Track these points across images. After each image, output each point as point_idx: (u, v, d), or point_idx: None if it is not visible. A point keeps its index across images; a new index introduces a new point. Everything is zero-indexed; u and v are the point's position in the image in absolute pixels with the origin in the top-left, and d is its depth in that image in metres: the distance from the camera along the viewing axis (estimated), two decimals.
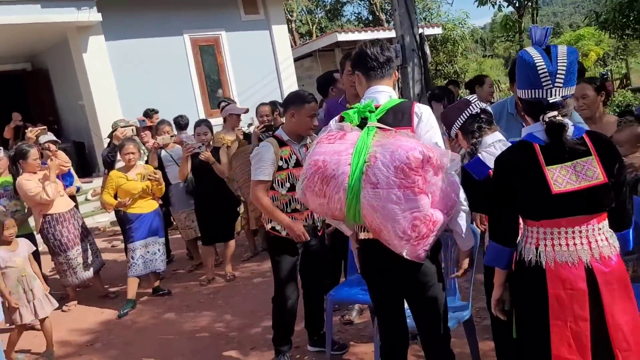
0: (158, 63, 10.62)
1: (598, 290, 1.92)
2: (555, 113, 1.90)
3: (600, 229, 1.96)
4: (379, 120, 2.24)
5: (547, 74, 1.90)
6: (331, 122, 2.45)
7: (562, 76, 1.90)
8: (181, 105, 9.62)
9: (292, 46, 14.22)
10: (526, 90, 1.96)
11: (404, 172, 2.02)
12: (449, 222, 2.27)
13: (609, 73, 19.51)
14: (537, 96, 1.94)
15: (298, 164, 3.23)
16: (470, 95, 2.45)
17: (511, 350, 2.34)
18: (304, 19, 24.62)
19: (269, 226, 3.37)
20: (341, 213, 2.19)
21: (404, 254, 2.12)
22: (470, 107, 2.41)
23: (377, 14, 22.14)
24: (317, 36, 21.20)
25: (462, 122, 2.47)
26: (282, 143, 3.26)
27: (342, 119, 2.38)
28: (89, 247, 5.22)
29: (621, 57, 22.83)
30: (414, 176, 2.03)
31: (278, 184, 3.23)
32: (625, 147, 3.07)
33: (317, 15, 25.53)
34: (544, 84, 1.91)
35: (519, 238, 2.07)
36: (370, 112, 2.27)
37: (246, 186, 4.27)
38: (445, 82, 13.57)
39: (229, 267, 5.59)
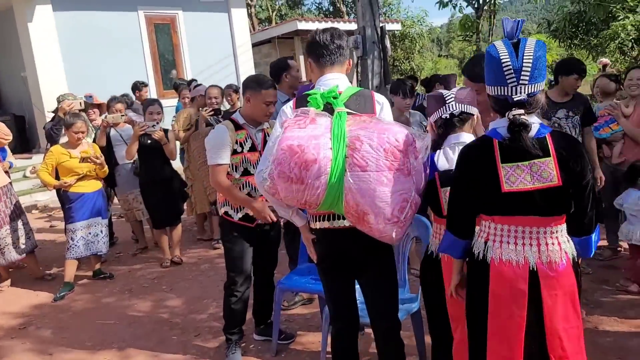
0: (109, 38, 10.20)
1: (540, 293, 1.91)
2: (521, 111, 1.87)
3: (553, 232, 1.93)
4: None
5: (511, 71, 1.86)
6: (284, 107, 2.43)
7: (528, 73, 1.85)
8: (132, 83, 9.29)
9: (250, 31, 13.98)
10: (492, 87, 1.94)
11: (394, 154, 2.05)
12: None
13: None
14: (502, 93, 1.90)
15: (253, 148, 3.16)
16: (448, 94, 2.35)
17: (446, 346, 2.41)
18: (264, 5, 24.28)
19: (222, 211, 3.27)
20: (317, 199, 2.12)
21: (393, 235, 2.12)
22: (444, 107, 2.34)
23: (338, 5, 22.11)
24: (276, 23, 20.95)
25: (435, 117, 2.41)
26: (237, 126, 3.16)
27: (297, 105, 2.36)
28: (21, 226, 4.94)
29: None
30: (404, 158, 2.06)
31: (232, 168, 3.14)
32: None
33: (277, 2, 25.25)
34: (508, 81, 1.87)
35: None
36: (334, 98, 2.25)
37: (204, 168, 4.16)
38: (403, 77, 13.72)
39: (177, 250, 5.46)
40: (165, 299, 4.50)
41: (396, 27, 16.40)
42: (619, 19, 8.90)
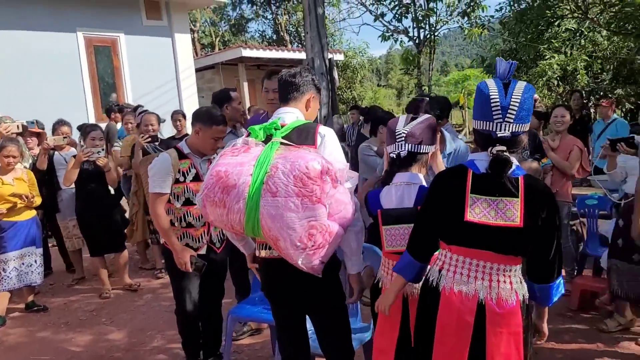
0: (46, 59, 9.82)
1: (485, 329, 1.92)
2: (503, 148, 1.89)
3: (506, 271, 1.94)
4: (284, 138, 2.27)
5: (499, 107, 1.89)
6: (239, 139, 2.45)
7: (514, 112, 1.88)
8: (70, 107, 9.00)
9: (194, 56, 13.89)
10: (478, 121, 1.97)
11: (303, 181, 2.05)
12: (340, 242, 2.29)
13: None
14: (487, 128, 1.93)
15: (197, 178, 3.13)
16: (399, 131, 2.33)
17: None
18: (207, 31, 24.23)
19: (163, 240, 3.23)
20: (240, 224, 2.16)
21: (299, 263, 2.12)
22: (394, 145, 2.34)
23: (282, 34, 22.39)
24: (220, 49, 20.93)
25: (389, 149, 2.41)
26: (182, 155, 3.15)
27: (248, 135, 2.39)
28: None
29: None
30: (312, 186, 2.06)
31: (174, 197, 3.12)
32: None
33: (220, 28, 25.26)
34: (494, 117, 1.90)
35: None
36: (276, 129, 2.30)
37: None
38: (345, 105, 14.01)
39: (127, 277, 5.30)
40: (105, 332, 4.31)
41: (339, 57, 16.79)
42: (546, 58, 9.56)
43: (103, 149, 4.90)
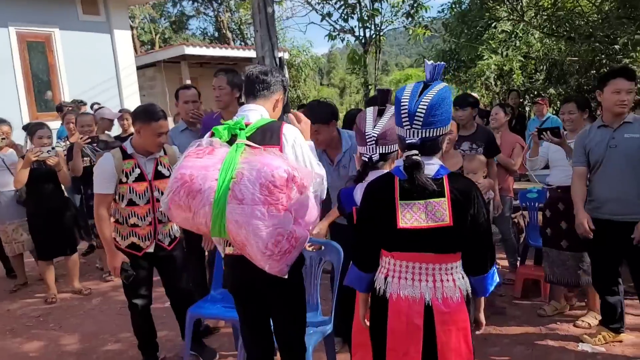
0: None
1: (434, 328, 1.96)
2: (414, 152, 1.91)
3: (448, 269, 1.98)
4: (248, 138, 2.26)
5: (407, 115, 1.92)
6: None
7: (420, 119, 1.90)
8: (1, 105, 8.55)
9: (134, 54, 13.50)
10: (397, 127, 2.01)
11: (269, 189, 2.06)
12: None
13: None
14: (400, 134, 1.98)
15: (141, 178, 3.14)
16: (369, 134, 2.30)
17: None
18: (146, 27, 23.55)
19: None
20: (207, 227, 2.16)
21: (266, 268, 2.15)
22: (365, 147, 2.34)
23: (224, 31, 22.12)
24: (160, 46, 20.44)
25: (360, 150, 2.41)
26: (126, 155, 3.13)
27: (212, 135, 2.36)
28: None
29: None
30: (278, 194, 2.07)
31: (119, 197, 3.13)
32: (478, 174, 3.66)
33: (160, 25, 24.63)
34: (404, 124, 1.94)
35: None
36: (240, 129, 2.29)
37: None
38: (291, 104, 14.01)
39: (76, 282, 5.13)
40: (54, 337, 4.15)
41: (283, 55, 16.79)
42: (484, 58, 9.96)
43: (53, 148, 4.71)
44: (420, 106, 1.90)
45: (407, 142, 1.94)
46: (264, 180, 2.06)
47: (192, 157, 2.21)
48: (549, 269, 3.94)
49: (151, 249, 3.23)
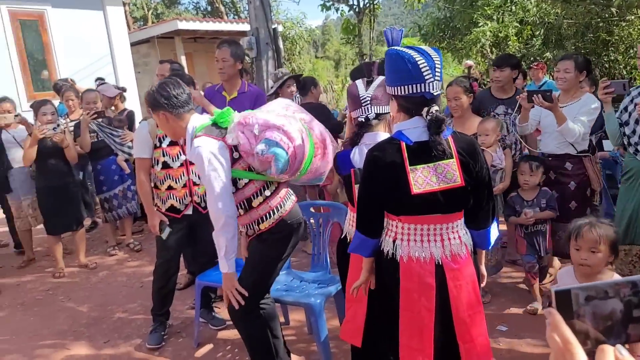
0: None
1: (446, 285, 2.02)
2: (437, 107, 1.92)
3: (454, 227, 2.03)
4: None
5: (427, 67, 1.89)
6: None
7: (439, 71, 1.92)
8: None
9: (127, 30, 13.38)
10: (406, 86, 1.93)
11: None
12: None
13: None
14: (420, 90, 1.91)
15: (174, 142, 3.35)
16: (364, 95, 2.38)
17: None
18: (138, 3, 23.25)
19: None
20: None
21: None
22: (361, 109, 2.41)
23: (217, 5, 21.85)
24: (153, 22, 20.20)
25: (353, 114, 2.48)
26: None
27: None
28: None
29: None
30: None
31: (155, 162, 3.37)
32: (490, 135, 3.59)
33: (153, 1, 24.31)
34: (426, 77, 1.89)
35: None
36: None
37: None
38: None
39: (83, 256, 5.23)
40: (64, 309, 4.27)
41: (278, 28, 16.64)
42: (479, 25, 9.89)
43: (59, 125, 4.74)
44: (435, 59, 1.91)
45: (434, 94, 1.92)
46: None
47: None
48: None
49: (189, 211, 3.44)
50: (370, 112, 2.41)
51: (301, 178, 2.57)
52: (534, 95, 3.48)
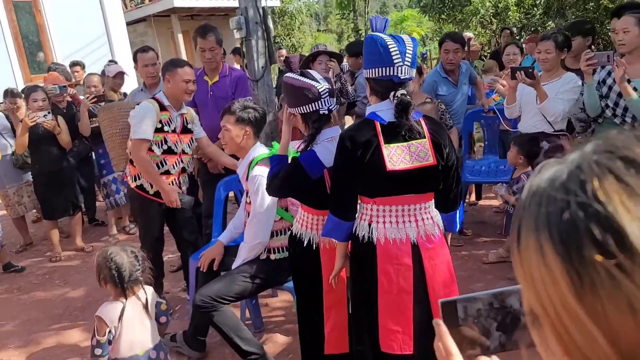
0: None
1: (422, 265, 2.05)
2: (404, 91, 1.97)
3: (426, 207, 2.09)
4: None
5: (397, 51, 1.95)
6: None
7: (410, 56, 1.97)
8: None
9: (123, 9, 13.24)
10: (377, 69, 1.99)
11: None
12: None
13: (427, 52, 21.59)
14: (387, 74, 1.97)
15: (175, 130, 3.41)
16: (322, 87, 2.24)
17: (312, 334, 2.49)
18: None
19: (134, 184, 3.47)
20: None
21: None
22: (319, 102, 2.25)
23: None
24: (150, 0, 19.95)
25: (305, 110, 2.27)
26: (162, 107, 3.38)
27: None
28: None
29: (437, 39, 25.30)
30: None
31: (154, 145, 3.36)
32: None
33: None
34: (395, 61, 1.95)
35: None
36: None
37: (110, 141, 4.09)
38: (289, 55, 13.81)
39: (79, 240, 5.27)
40: (60, 293, 4.33)
41: (275, 3, 16.41)
42: None
43: (49, 112, 4.73)
44: (407, 45, 1.98)
45: (401, 77, 1.97)
46: None
47: None
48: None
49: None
50: (332, 104, 2.30)
51: None
52: (517, 72, 3.43)
